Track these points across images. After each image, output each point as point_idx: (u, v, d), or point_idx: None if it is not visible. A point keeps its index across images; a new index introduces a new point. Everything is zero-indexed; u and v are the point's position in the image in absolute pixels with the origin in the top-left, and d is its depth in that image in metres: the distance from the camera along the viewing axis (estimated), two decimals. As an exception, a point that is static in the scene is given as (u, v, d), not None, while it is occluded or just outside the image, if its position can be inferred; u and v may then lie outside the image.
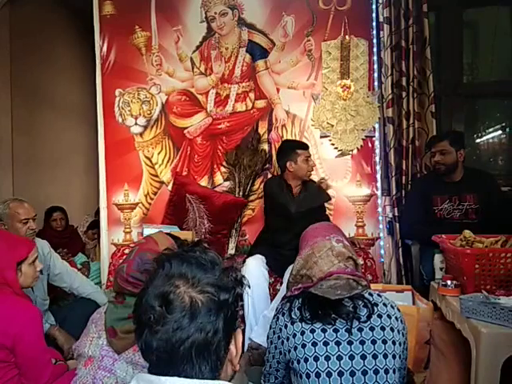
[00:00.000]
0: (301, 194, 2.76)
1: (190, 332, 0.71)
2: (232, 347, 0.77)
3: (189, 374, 0.71)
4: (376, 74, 3.11)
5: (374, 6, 3.09)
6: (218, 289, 0.74)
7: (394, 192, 3.03)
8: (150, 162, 3.26)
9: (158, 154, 3.26)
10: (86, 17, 3.36)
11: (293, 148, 2.75)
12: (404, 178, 3.02)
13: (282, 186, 2.75)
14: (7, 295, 1.58)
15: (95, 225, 3.86)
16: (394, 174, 3.04)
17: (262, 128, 3.21)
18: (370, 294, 1.31)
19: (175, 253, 0.79)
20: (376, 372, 1.20)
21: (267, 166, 3.17)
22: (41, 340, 1.54)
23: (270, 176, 3.15)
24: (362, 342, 1.22)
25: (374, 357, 1.21)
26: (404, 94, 3.01)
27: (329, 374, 1.20)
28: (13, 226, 2.20)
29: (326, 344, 1.22)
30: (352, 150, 3.13)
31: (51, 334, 2.06)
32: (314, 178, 3.05)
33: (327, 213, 3.01)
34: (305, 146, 2.79)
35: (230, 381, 0.78)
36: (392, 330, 1.25)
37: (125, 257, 1.33)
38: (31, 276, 1.72)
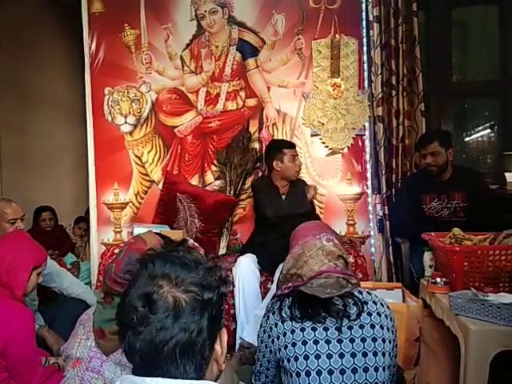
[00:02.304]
0: (288, 195, 2.77)
1: (174, 332, 0.70)
2: (217, 346, 0.77)
3: (173, 375, 0.71)
4: (366, 73, 3.13)
5: (363, 5, 3.10)
6: (201, 288, 0.74)
7: (385, 190, 3.06)
8: (140, 160, 3.24)
9: (148, 152, 3.24)
10: (74, 14, 3.32)
11: (279, 147, 2.75)
12: (394, 176, 3.05)
13: (269, 186, 2.77)
14: (2, 298, 1.57)
15: (81, 220, 3.83)
16: (384, 173, 3.06)
17: (253, 126, 3.21)
18: (360, 292, 1.31)
19: (159, 253, 0.79)
20: (366, 370, 1.21)
21: (258, 164, 3.17)
22: (32, 343, 1.53)
23: (260, 175, 3.14)
24: (352, 340, 1.22)
25: (364, 355, 1.21)
26: (394, 92, 3.04)
27: (319, 373, 1.20)
28: (0, 226, 2.18)
29: (316, 342, 1.22)
30: (342, 149, 3.14)
31: (40, 335, 2.04)
32: (306, 178, 3.07)
33: (318, 211, 3.03)
34: (291, 145, 2.80)
35: (216, 380, 0.78)
36: (382, 327, 1.26)
37: (114, 257, 1.32)
38: (33, 285, 1.72)
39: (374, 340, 1.23)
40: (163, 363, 0.71)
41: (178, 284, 0.73)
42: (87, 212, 3.46)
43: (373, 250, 3.10)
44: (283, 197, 2.79)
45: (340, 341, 1.22)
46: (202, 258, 0.78)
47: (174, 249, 0.79)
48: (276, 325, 1.29)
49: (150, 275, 0.73)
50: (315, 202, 2.98)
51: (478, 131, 3.85)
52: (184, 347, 0.71)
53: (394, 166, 3.04)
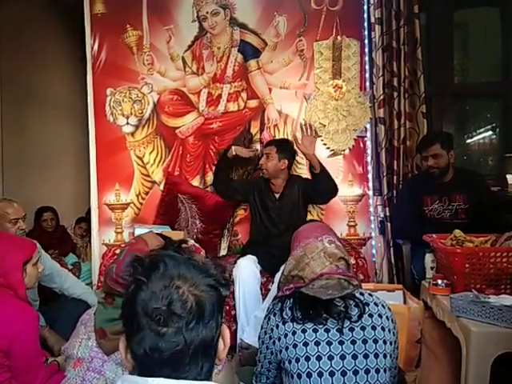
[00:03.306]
0: (284, 195, 2.81)
1: (199, 330, 0.71)
2: (220, 340, 0.78)
3: (191, 374, 0.71)
4: (367, 75, 3.13)
5: (365, 7, 3.10)
6: (217, 285, 0.75)
7: (386, 192, 3.05)
8: (142, 161, 3.24)
9: (150, 153, 3.24)
10: (74, 14, 3.33)
11: None
12: (395, 177, 3.04)
13: (264, 188, 2.85)
14: (6, 298, 1.57)
15: (82, 220, 3.84)
16: (385, 174, 3.06)
17: (254, 128, 3.21)
18: (361, 294, 1.31)
19: (166, 254, 0.78)
20: (367, 371, 1.20)
21: (259, 165, 3.16)
22: (36, 343, 1.53)
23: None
24: (353, 342, 1.22)
25: (365, 356, 1.21)
26: (395, 94, 3.03)
27: (320, 374, 1.20)
28: (2, 226, 2.18)
29: (317, 344, 1.22)
30: (344, 150, 3.14)
31: (41, 335, 2.04)
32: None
33: (319, 213, 3.05)
34: (266, 144, 2.91)
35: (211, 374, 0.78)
36: (383, 329, 1.26)
37: (115, 257, 1.32)
38: (34, 276, 1.73)
39: (376, 342, 1.23)
40: (186, 363, 0.71)
41: (196, 284, 0.73)
42: (88, 212, 3.46)
43: (374, 251, 3.10)
44: (277, 195, 2.82)
45: (341, 342, 1.22)
46: (204, 258, 0.79)
47: (178, 249, 0.80)
48: (277, 326, 1.29)
49: (165, 276, 0.73)
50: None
51: (480, 133, 3.85)
52: (207, 345, 0.72)
53: (395, 167, 3.04)
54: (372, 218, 3.12)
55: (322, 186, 2.74)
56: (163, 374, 0.70)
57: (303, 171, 3.14)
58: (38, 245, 2.24)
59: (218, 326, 0.74)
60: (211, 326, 0.72)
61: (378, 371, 1.21)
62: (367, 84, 3.13)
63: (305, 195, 2.84)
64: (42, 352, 1.62)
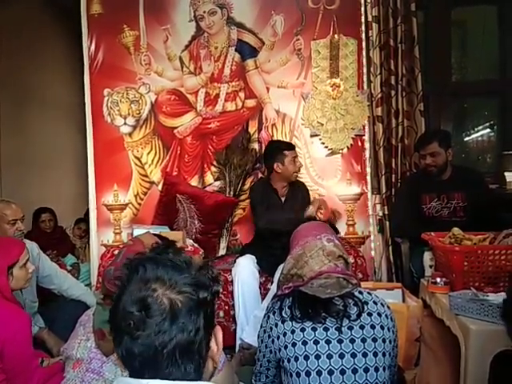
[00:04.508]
0: (288, 198, 2.78)
1: (173, 334, 0.70)
2: (213, 344, 0.77)
3: (175, 376, 0.71)
4: (365, 73, 3.13)
5: (362, 5, 3.10)
6: (196, 288, 0.74)
7: (384, 190, 3.06)
8: (140, 162, 3.24)
9: (148, 154, 3.24)
10: (73, 15, 3.32)
11: (280, 149, 2.75)
12: (393, 176, 3.05)
13: (268, 189, 2.77)
14: None
15: (81, 221, 3.83)
16: (383, 173, 3.06)
17: (252, 127, 3.21)
18: (360, 293, 1.32)
19: (148, 256, 0.79)
20: (366, 370, 1.20)
21: (257, 165, 3.17)
22: (29, 346, 1.53)
23: (260, 176, 3.14)
24: (352, 341, 1.22)
25: (364, 355, 1.21)
26: (393, 92, 3.04)
27: (319, 373, 1.20)
28: (0, 227, 2.17)
29: (316, 343, 1.22)
30: (342, 149, 3.15)
31: (40, 337, 2.04)
32: (306, 178, 3.08)
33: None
34: (291, 147, 2.81)
35: (211, 377, 0.78)
36: (382, 327, 1.26)
37: (113, 259, 1.32)
38: (23, 278, 1.71)
39: (375, 340, 1.23)
40: (164, 366, 0.71)
41: (172, 286, 0.73)
42: (87, 213, 3.46)
43: (373, 250, 3.10)
44: (283, 199, 2.79)
45: (340, 341, 1.22)
46: (191, 259, 0.79)
47: (164, 251, 0.79)
48: (276, 325, 1.29)
49: (142, 279, 0.73)
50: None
51: (478, 131, 3.85)
52: (183, 348, 0.71)
53: (393, 166, 3.04)
54: (371, 216, 3.13)
55: None
56: (146, 375, 0.71)
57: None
58: (34, 245, 2.25)
59: (198, 328, 0.72)
60: (187, 329, 0.71)
61: (377, 370, 1.21)
62: (365, 82, 3.13)
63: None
64: (36, 354, 1.61)
